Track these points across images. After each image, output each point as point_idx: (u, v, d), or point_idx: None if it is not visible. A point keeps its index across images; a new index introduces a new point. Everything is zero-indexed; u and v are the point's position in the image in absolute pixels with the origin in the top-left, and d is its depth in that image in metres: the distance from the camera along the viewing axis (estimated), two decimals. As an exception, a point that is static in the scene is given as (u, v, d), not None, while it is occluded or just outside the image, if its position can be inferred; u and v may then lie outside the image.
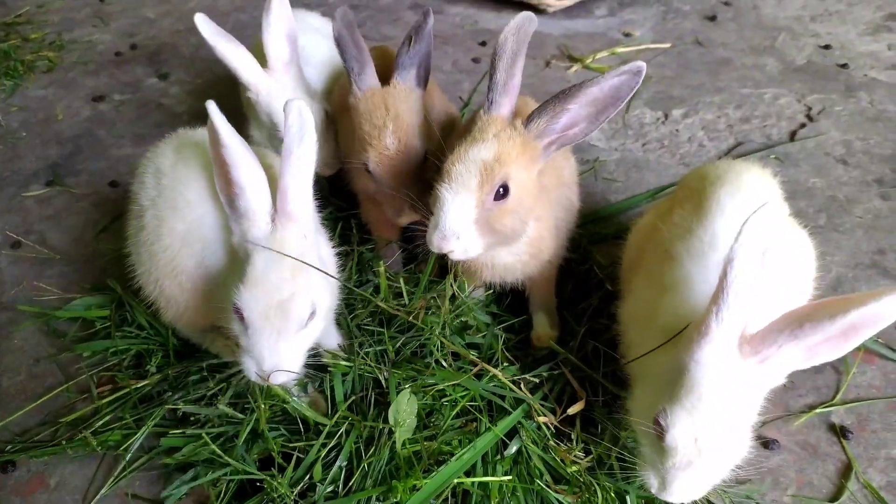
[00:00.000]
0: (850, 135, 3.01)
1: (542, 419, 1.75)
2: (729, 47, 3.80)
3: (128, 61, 3.89)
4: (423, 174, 1.98)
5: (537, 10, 4.16)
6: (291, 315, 1.49)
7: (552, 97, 1.66)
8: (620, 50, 3.75)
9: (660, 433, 1.34)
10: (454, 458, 1.63)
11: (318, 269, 1.58)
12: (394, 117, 1.92)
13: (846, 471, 1.77)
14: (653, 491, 1.42)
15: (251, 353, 1.52)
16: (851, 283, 2.28)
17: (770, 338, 1.28)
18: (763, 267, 1.24)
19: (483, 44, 3.93)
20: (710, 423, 1.29)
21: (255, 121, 2.32)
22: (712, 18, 4.11)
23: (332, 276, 1.70)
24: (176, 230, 1.73)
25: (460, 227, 1.61)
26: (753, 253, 1.23)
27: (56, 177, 2.94)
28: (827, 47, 3.72)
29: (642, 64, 1.59)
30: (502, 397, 1.78)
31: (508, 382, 1.79)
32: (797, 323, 1.26)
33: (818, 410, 1.90)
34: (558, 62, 3.71)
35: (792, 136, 3.02)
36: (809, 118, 3.14)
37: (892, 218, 2.55)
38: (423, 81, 2.05)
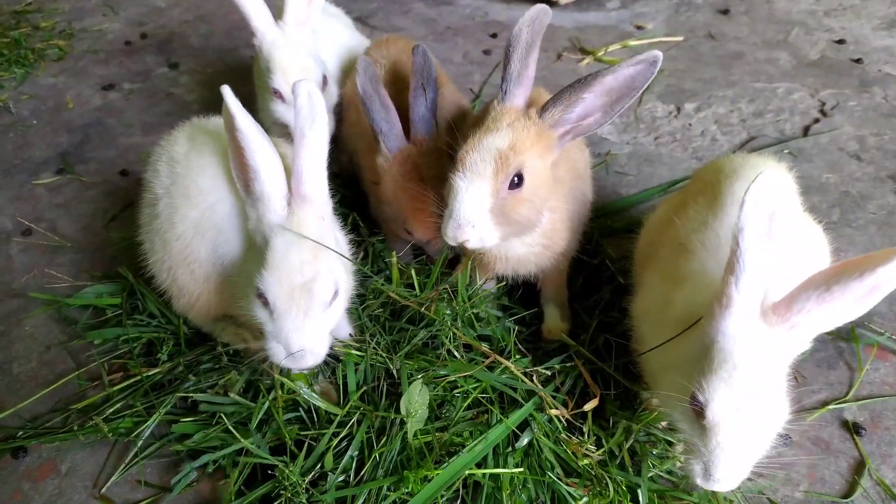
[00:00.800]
0: (864, 130, 2.98)
1: (553, 412, 1.74)
2: (742, 41, 3.77)
3: (138, 50, 3.89)
4: None
5: (549, 2, 4.13)
6: (316, 295, 1.50)
7: (567, 86, 1.65)
8: (633, 43, 3.72)
9: (700, 410, 1.31)
10: (465, 449, 1.62)
11: (336, 251, 1.58)
12: (430, 180, 1.92)
13: (859, 467, 1.76)
14: (698, 480, 1.36)
15: (278, 337, 1.52)
16: (865, 280, 2.26)
17: (798, 304, 1.27)
18: (770, 232, 1.25)
19: (494, 36, 3.91)
20: (749, 390, 1.26)
21: (258, 81, 2.35)
22: (725, 12, 4.08)
23: (349, 259, 1.70)
24: (189, 218, 1.72)
25: (475, 215, 1.61)
26: (761, 219, 1.24)
27: (66, 165, 2.94)
28: (841, 42, 3.68)
29: (658, 53, 1.58)
30: (514, 389, 1.78)
31: (520, 374, 1.78)
32: (824, 286, 1.25)
33: (831, 407, 1.89)
34: (570, 55, 3.69)
35: (805, 131, 3.00)
36: (823, 113, 3.12)
37: (905, 214, 2.53)
38: (436, 123, 2.03)
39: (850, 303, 1.25)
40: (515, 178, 1.63)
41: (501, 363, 1.80)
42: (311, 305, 1.50)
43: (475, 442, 1.64)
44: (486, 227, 1.63)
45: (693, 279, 1.54)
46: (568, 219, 1.89)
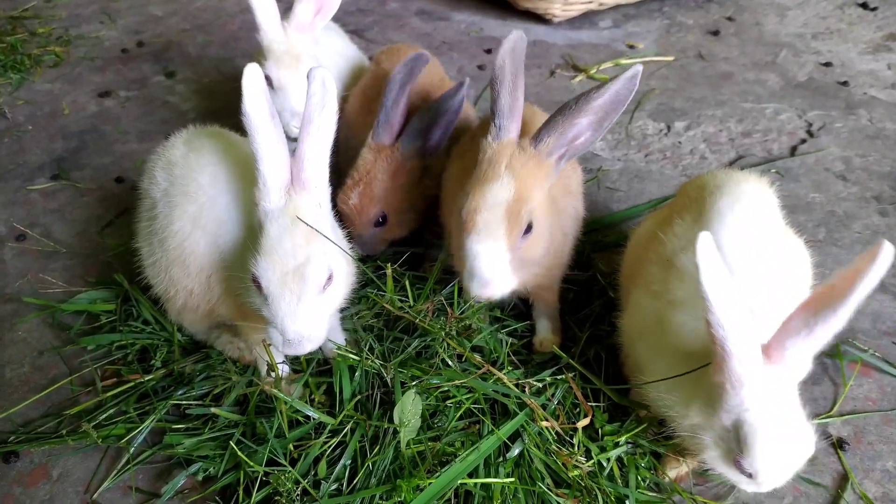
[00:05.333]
0: (850, 151, 3.05)
1: (544, 423, 1.76)
2: (731, 62, 3.85)
3: (134, 58, 3.91)
4: None
5: (543, 19, 4.20)
6: (309, 279, 1.49)
7: (557, 113, 1.68)
8: (624, 61, 3.78)
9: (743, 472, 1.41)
10: (458, 459, 1.64)
11: (330, 239, 1.59)
12: (399, 183, 2.15)
13: (842, 482, 1.79)
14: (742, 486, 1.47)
15: (273, 322, 1.52)
16: (849, 298, 2.31)
17: (787, 348, 1.32)
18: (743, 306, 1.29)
19: (488, 51, 3.96)
20: (783, 443, 1.36)
21: None
22: (715, 33, 4.16)
23: (343, 249, 1.68)
24: (188, 213, 1.72)
25: (497, 272, 1.65)
26: (729, 311, 1.28)
27: (61, 171, 2.95)
28: (828, 65, 3.76)
29: (638, 67, 1.65)
30: (506, 396, 1.80)
31: (512, 386, 1.81)
32: (806, 329, 1.30)
33: (816, 422, 1.91)
34: (563, 71, 3.75)
35: (792, 151, 3.06)
36: (810, 134, 3.18)
37: (889, 234, 2.58)
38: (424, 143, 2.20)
39: (833, 328, 1.30)
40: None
41: (494, 374, 1.83)
42: (303, 290, 1.49)
43: (467, 452, 1.66)
44: (507, 278, 1.67)
45: (687, 303, 1.55)
46: (561, 236, 1.92)
